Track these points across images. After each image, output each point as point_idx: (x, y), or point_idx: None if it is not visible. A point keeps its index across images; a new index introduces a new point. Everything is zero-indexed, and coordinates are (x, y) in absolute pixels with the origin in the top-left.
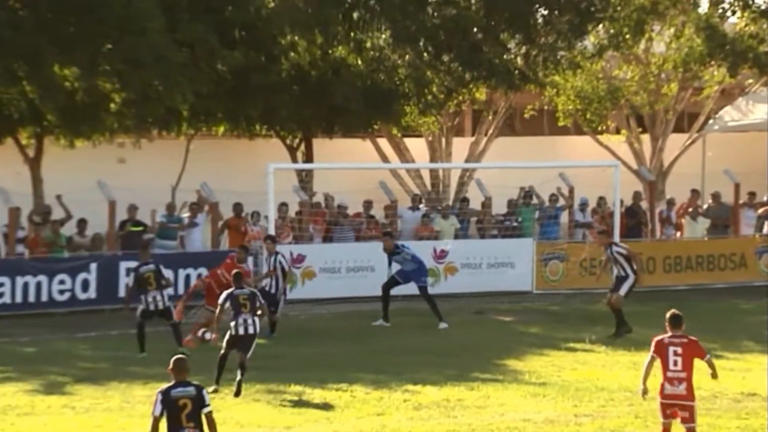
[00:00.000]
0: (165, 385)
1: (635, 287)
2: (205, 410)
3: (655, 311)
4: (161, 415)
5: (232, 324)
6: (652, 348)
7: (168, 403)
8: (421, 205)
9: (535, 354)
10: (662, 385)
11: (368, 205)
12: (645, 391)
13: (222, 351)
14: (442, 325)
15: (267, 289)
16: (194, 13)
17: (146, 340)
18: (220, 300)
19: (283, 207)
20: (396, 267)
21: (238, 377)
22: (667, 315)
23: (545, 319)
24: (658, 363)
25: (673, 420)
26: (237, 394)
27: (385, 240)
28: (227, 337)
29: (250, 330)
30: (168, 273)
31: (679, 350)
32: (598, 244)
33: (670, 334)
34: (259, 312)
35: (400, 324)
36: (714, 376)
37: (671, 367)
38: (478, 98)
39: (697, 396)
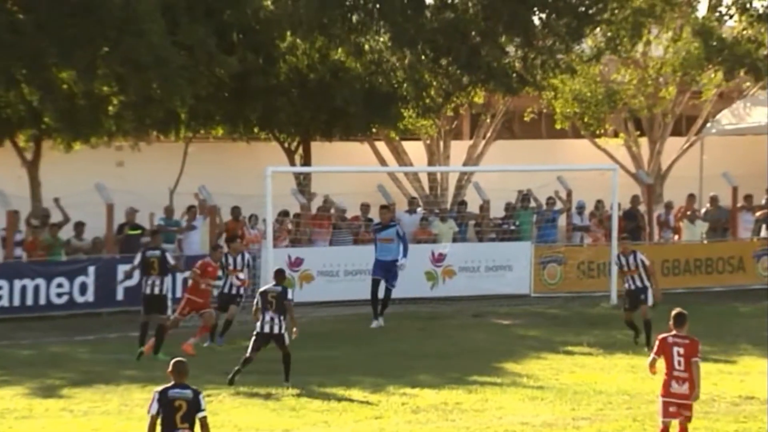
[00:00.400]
0: (163, 386)
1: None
2: (200, 415)
3: (654, 314)
4: (158, 413)
5: (258, 322)
6: (656, 346)
7: (164, 402)
8: (419, 209)
9: (534, 357)
10: (667, 384)
11: (366, 208)
12: (654, 368)
13: (248, 353)
14: (375, 324)
15: (227, 290)
16: (193, 15)
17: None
18: (255, 300)
19: (282, 213)
20: (378, 256)
21: (284, 367)
22: (672, 313)
23: (543, 323)
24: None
25: (672, 420)
26: (286, 379)
27: (383, 212)
28: (253, 336)
29: (275, 329)
30: (174, 261)
31: (682, 351)
32: (621, 251)
33: (674, 332)
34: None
35: (398, 327)
36: (695, 396)
37: (676, 366)
38: (476, 101)
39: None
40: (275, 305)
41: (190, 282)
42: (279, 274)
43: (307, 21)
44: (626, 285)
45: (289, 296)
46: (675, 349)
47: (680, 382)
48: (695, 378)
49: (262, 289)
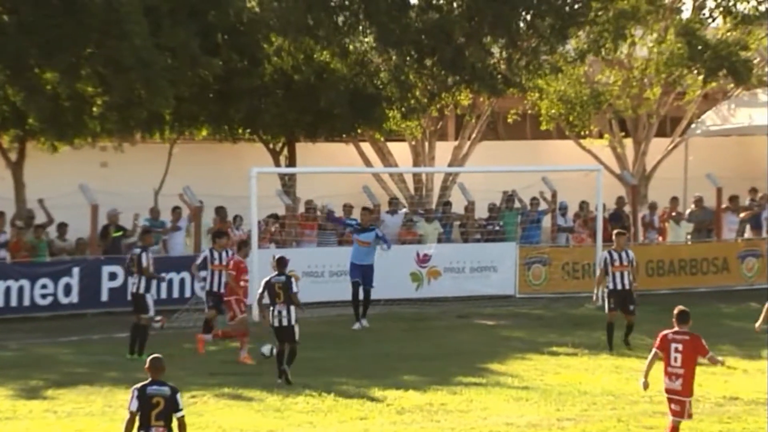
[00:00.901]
0: (142, 382)
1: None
2: (178, 414)
3: (639, 315)
4: (137, 410)
5: (270, 313)
6: (657, 342)
7: (143, 399)
8: (402, 210)
9: (518, 358)
10: (664, 380)
11: (349, 209)
12: (646, 385)
13: (277, 347)
14: (357, 326)
15: (217, 288)
16: (176, 18)
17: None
18: (259, 290)
19: (271, 216)
20: (353, 259)
21: (285, 366)
22: (675, 311)
23: (528, 323)
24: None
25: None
26: (283, 378)
27: (364, 214)
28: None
29: (284, 322)
30: (146, 262)
31: (680, 347)
32: (617, 247)
33: (675, 329)
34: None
35: (383, 328)
36: (723, 363)
37: (671, 363)
38: (461, 102)
39: None
40: (282, 296)
41: (228, 284)
42: (281, 263)
43: (294, 22)
44: (611, 284)
45: (294, 289)
46: (673, 345)
47: (672, 378)
48: (716, 361)
49: (266, 279)
